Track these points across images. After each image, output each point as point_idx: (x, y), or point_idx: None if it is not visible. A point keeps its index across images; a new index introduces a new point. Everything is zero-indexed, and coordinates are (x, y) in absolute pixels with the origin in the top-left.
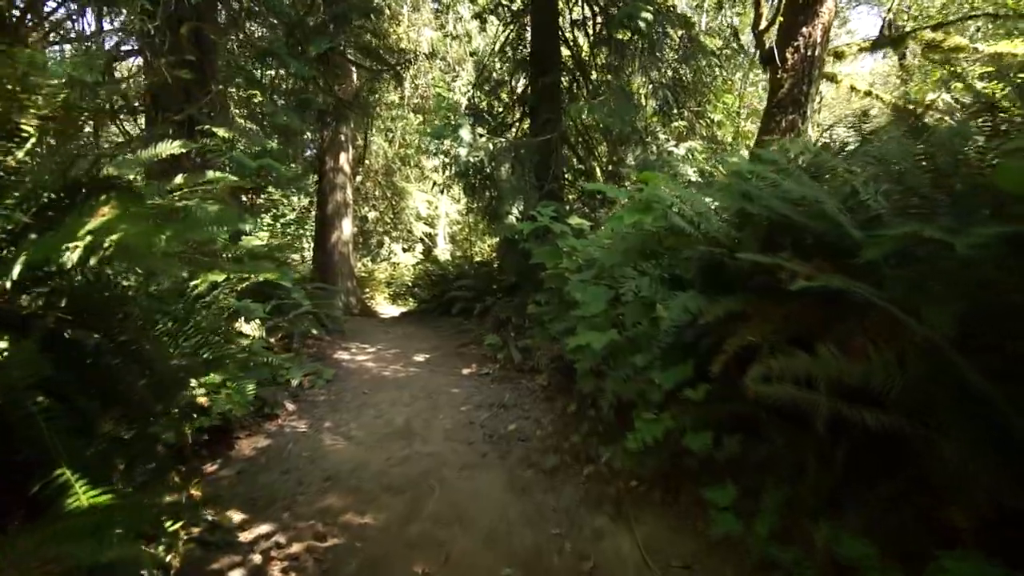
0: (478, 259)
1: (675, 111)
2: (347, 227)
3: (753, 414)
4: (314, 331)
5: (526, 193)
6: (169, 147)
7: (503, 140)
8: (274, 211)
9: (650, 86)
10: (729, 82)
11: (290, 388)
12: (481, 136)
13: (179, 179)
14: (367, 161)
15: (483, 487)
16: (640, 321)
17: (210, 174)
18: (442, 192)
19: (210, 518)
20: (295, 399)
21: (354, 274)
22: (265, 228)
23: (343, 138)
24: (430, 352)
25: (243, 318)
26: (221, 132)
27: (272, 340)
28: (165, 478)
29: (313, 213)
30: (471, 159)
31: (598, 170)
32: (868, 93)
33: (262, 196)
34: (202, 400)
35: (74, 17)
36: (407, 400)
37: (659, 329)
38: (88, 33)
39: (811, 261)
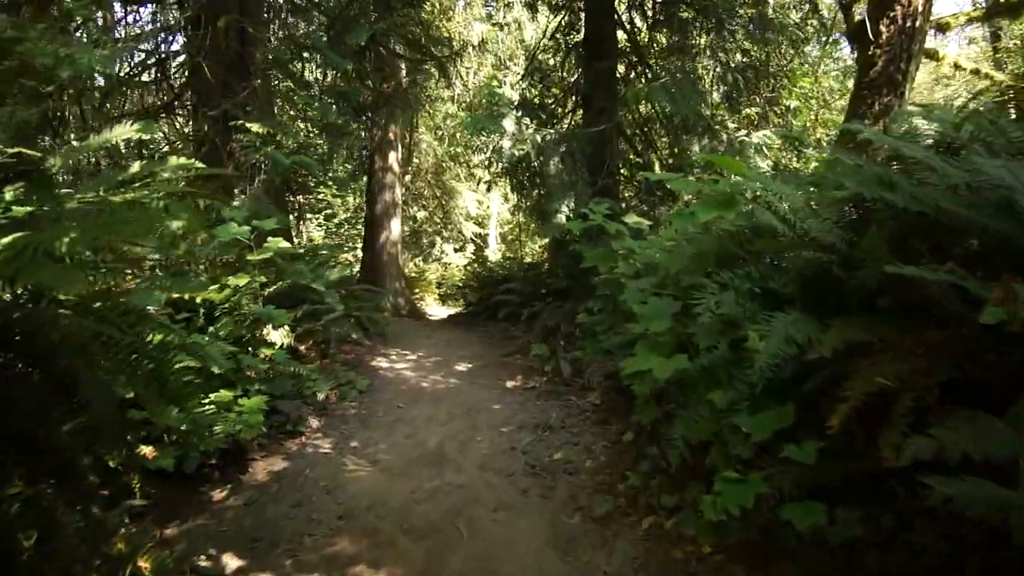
0: (528, 260)
1: (745, 97)
2: (396, 227)
3: (878, 476)
4: (354, 335)
5: (577, 189)
6: (126, 132)
7: (552, 132)
8: (328, 211)
9: (717, 69)
10: (806, 64)
11: (316, 402)
12: (528, 128)
13: (136, 166)
14: (417, 160)
15: (520, 536)
16: (716, 344)
17: (173, 160)
18: (488, 190)
19: (203, 564)
20: (323, 413)
21: (403, 274)
22: (318, 227)
23: (392, 137)
24: (472, 361)
25: (270, 325)
26: (255, 127)
27: (303, 347)
28: (102, 548)
29: (363, 213)
30: (516, 152)
31: (657, 163)
32: (975, 72)
33: (311, 195)
34: (146, 451)
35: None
36: (443, 417)
37: (742, 356)
38: (138, 31)
39: (977, 274)
